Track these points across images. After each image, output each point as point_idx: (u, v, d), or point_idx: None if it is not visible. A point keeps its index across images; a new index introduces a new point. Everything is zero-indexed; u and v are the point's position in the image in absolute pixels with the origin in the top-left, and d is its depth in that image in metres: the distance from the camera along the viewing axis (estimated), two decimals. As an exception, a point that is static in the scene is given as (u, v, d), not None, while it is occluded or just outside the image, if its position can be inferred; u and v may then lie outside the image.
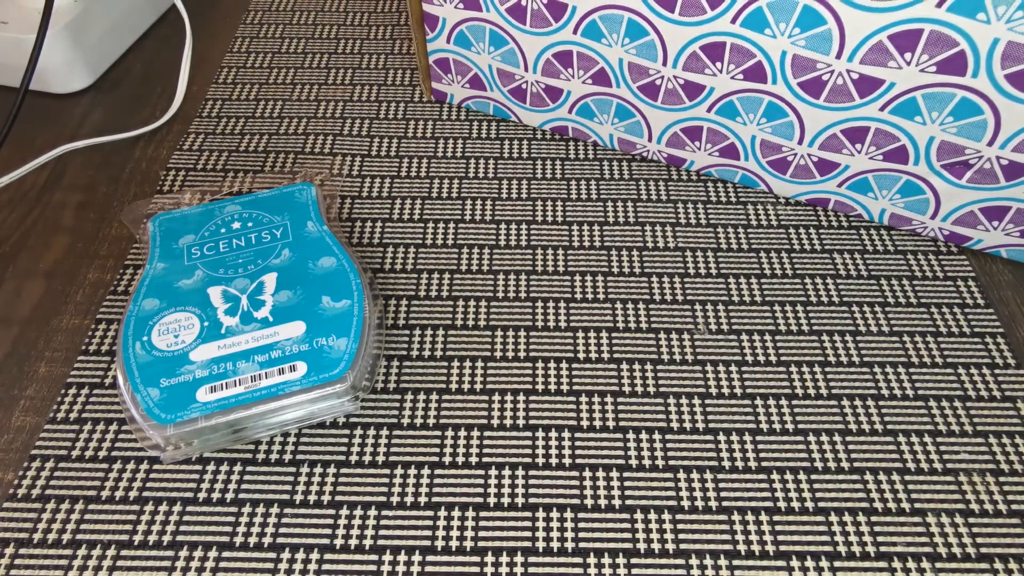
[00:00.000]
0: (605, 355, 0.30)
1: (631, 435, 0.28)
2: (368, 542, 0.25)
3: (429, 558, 0.25)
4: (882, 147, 0.31)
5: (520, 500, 0.26)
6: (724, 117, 0.33)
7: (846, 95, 0.30)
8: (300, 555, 0.25)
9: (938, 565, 0.24)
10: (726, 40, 0.30)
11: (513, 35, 0.34)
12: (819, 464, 0.27)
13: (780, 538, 0.25)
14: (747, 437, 0.27)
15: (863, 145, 0.31)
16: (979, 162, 0.29)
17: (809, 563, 0.25)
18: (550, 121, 0.38)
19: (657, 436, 0.28)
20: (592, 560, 0.25)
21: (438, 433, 0.28)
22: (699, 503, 0.26)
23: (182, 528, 0.25)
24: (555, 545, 0.25)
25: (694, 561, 0.25)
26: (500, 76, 0.36)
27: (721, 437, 0.27)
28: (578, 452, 0.27)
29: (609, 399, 0.29)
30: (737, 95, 0.32)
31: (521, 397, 0.29)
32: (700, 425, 0.28)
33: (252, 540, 0.25)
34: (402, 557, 0.25)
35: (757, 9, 0.28)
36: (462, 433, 0.28)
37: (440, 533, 0.25)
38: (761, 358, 0.30)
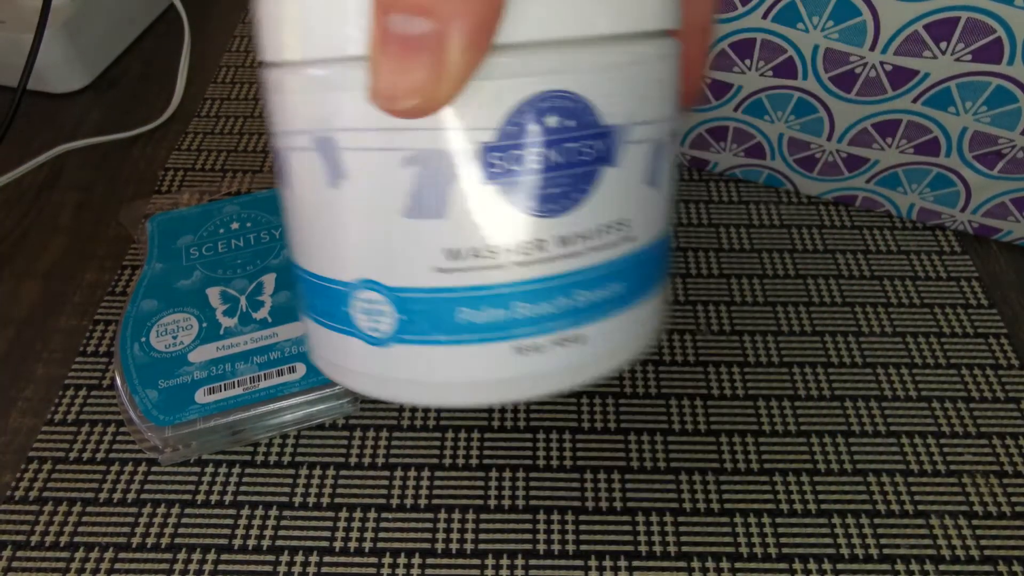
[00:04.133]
0: (606, 356, 0.30)
1: (632, 437, 0.27)
2: (368, 544, 0.25)
3: (429, 560, 0.24)
4: (913, 140, 0.30)
5: (521, 502, 0.26)
6: (751, 116, 0.32)
7: (878, 88, 0.29)
8: (299, 558, 0.24)
9: (941, 568, 0.24)
10: (756, 36, 0.30)
11: None
12: (822, 466, 0.27)
13: (783, 540, 0.25)
14: (749, 439, 0.27)
15: (894, 138, 0.31)
16: (1012, 152, 0.29)
17: (812, 565, 0.24)
18: None
19: (659, 438, 0.27)
20: (593, 563, 0.24)
21: (438, 435, 0.27)
22: (701, 505, 0.26)
23: (180, 531, 0.25)
24: (556, 548, 0.25)
25: (696, 564, 0.24)
26: None
27: (723, 439, 0.27)
28: (579, 454, 0.27)
29: (610, 400, 0.28)
30: (766, 92, 0.31)
31: (522, 398, 0.28)
32: (702, 427, 0.28)
33: (251, 543, 0.25)
34: (402, 560, 0.24)
35: (790, 3, 0.28)
36: (462, 435, 0.27)
37: (440, 536, 0.25)
38: (763, 359, 0.30)
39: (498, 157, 0.15)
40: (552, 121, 0.15)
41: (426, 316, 0.16)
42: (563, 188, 0.16)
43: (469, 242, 0.16)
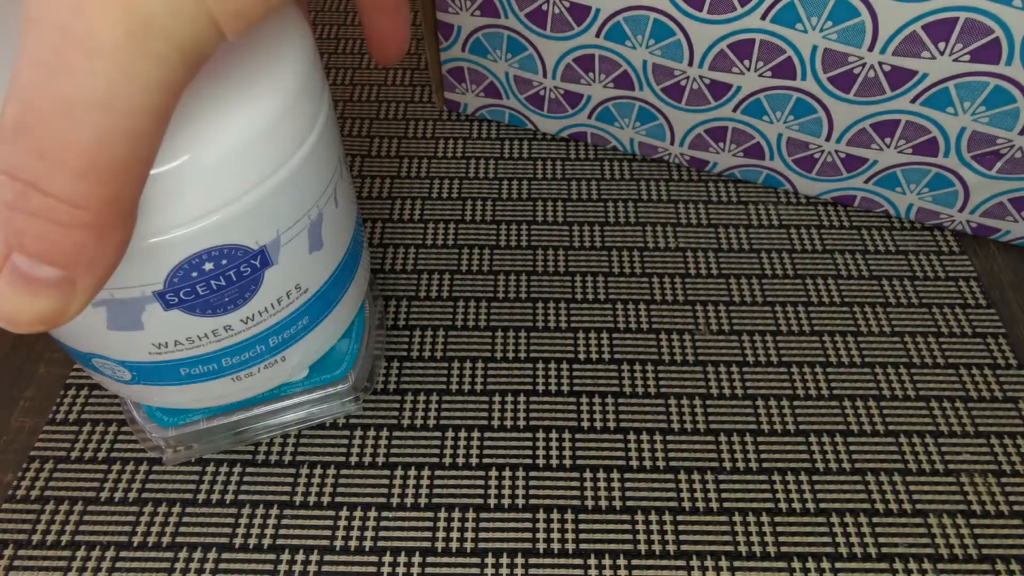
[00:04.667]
0: (606, 356, 0.30)
1: (632, 436, 0.27)
2: (368, 543, 0.25)
3: (429, 559, 0.25)
4: (912, 140, 0.31)
5: (520, 501, 0.26)
6: (750, 116, 0.33)
7: (877, 88, 0.29)
8: (300, 556, 0.25)
9: (940, 566, 0.24)
10: (755, 37, 0.30)
11: (532, 41, 0.34)
12: (820, 465, 0.27)
13: (781, 539, 0.25)
14: (748, 438, 0.27)
15: (892, 139, 0.31)
16: (1010, 151, 0.29)
17: (810, 564, 0.24)
18: (568, 128, 0.37)
19: (658, 437, 0.27)
20: (593, 561, 0.25)
21: (438, 434, 0.28)
22: (700, 504, 0.26)
23: (181, 529, 0.25)
24: (555, 546, 0.25)
25: (695, 562, 0.24)
26: (517, 83, 0.36)
27: (722, 438, 0.27)
28: (578, 453, 0.27)
29: (610, 400, 0.28)
30: (764, 93, 0.31)
31: (521, 398, 0.29)
32: (701, 426, 0.28)
33: (252, 541, 0.25)
34: (402, 558, 0.25)
35: (788, 4, 0.28)
36: (462, 434, 0.28)
37: (440, 534, 0.25)
38: (762, 359, 0.30)
39: (170, 295, 0.18)
40: (209, 266, 0.18)
41: (155, 373, 0.20)
42: (234, 296, 0.19)
43: (169, 339, 0.19)
